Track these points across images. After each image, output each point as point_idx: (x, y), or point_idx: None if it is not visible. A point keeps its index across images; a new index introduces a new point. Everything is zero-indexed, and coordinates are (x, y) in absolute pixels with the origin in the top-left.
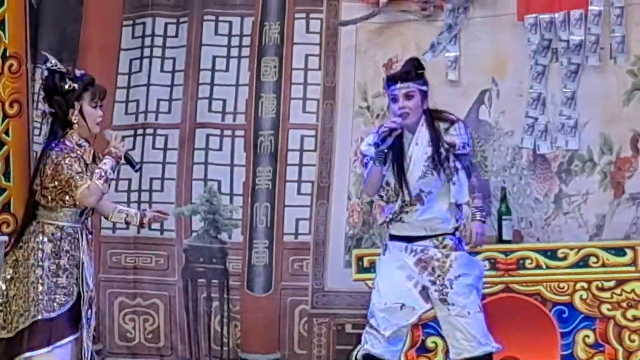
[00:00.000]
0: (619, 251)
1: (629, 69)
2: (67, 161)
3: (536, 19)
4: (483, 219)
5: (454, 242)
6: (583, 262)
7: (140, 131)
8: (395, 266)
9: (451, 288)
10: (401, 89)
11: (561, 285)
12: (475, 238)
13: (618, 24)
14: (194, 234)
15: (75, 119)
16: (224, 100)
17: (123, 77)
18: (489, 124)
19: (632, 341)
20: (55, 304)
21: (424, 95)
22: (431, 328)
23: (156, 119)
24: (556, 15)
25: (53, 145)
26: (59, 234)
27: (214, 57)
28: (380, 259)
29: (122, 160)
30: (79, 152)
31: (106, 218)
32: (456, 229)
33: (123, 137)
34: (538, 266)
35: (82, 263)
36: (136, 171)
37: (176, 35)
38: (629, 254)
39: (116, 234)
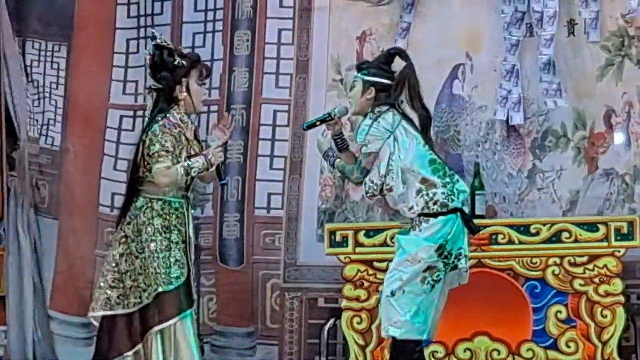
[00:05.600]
0: (592, 227)
1: (602, 45)
2: (162, 136)
3: None
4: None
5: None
6: (556, 238)
7: (139, 112)
8: None
9: None
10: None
11: (534, 260)
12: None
13: None
14: None
15: (181, 96)
16: None
17: (120, 56)
18: (462, 98)
19: (604, 317)
20: (172, 278)
21: (370, 85)
22: None
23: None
24: None
25: (158, 119)
26: (167, 209)
27: (194, 34)
28: None
29: (212, 169)
30: (181, 127)
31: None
32: (423, 214)
33: (226, 148)
34: (510, 241)
35: (189, 237)
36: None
37: (161, 13)
38: (602, 229)
39: (113, 213)
